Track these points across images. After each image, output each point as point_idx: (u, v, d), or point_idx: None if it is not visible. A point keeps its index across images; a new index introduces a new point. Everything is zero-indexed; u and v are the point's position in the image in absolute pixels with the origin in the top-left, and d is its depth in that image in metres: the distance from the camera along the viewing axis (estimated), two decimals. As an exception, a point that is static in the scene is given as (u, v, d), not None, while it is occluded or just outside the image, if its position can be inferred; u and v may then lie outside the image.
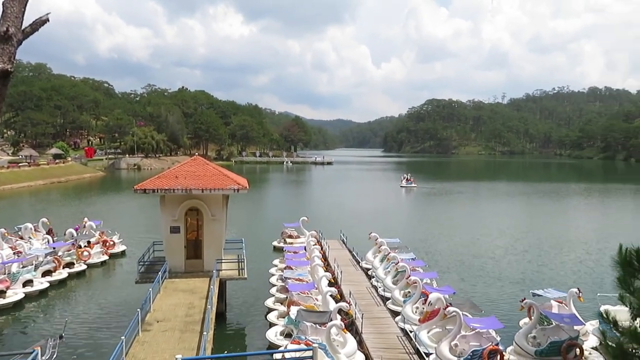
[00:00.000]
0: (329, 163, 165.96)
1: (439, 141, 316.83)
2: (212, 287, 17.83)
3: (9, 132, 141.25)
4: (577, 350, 15.42)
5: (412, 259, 25.66)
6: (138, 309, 14.77)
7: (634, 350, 5.98)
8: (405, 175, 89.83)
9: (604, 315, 6.32)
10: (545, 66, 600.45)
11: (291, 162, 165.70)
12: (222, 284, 21.08)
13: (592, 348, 16.74)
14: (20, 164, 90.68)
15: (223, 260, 21.73)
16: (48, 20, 7.74)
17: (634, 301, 5.97)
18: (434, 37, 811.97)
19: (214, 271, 19.77)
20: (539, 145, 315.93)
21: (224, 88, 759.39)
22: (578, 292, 18.74)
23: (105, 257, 30.77)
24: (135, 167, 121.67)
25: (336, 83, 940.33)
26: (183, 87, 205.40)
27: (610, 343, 6.17)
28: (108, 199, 65.32)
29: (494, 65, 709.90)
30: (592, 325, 17.95)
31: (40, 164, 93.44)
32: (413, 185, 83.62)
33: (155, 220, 29.50)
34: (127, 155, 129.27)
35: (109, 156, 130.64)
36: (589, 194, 77.11)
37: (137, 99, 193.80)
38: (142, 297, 17.22)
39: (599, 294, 19.87)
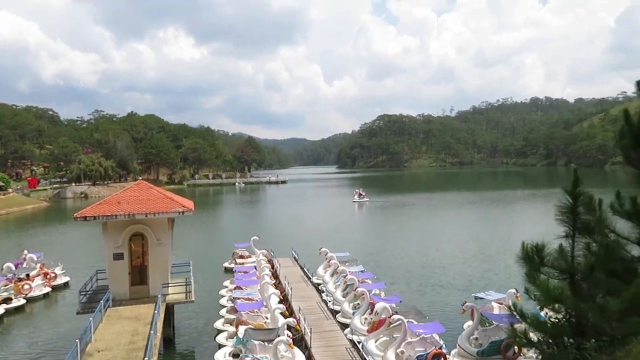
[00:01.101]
0: (284, 182, 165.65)
1: (391, 155, 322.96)
2: (156, 312, 17.45)
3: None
4: (516, 348, 16.03)
5: (361, 271, 26.02)
6: (77, 340, 14.28)
7: (539, 339, 6.40)
8: (357, 190, 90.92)
9: (512, 308, 6.72)
10: (489, 79, 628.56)
11: (244, 182, 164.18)
12: (170, 309, 20.68)
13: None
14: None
15: (169, 285, 21.33)
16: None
17: (537, 294, 6.39)
18: (383, 54, 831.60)
19: (160, 296, 19.36)
20: (486, 155, 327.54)
21: (177, 111, 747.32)
22: (516, 292, 19.50)
23: (48, 289, 29.50)
24: (82, 195, 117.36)
25: (289, 102, 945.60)
26: (132, 111, 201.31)
27: (517, 333, 6.57)
28: (51, 229, 62.64)
29: (441, 80, 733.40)
30: (530, 323, 18.68)
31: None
32: (365, 199, 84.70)
33: (101, 248, 28.63)
34: (74, 184, 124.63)
35: (54, 186, 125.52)
36: (534, 199, 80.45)
37: (84, 125, 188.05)
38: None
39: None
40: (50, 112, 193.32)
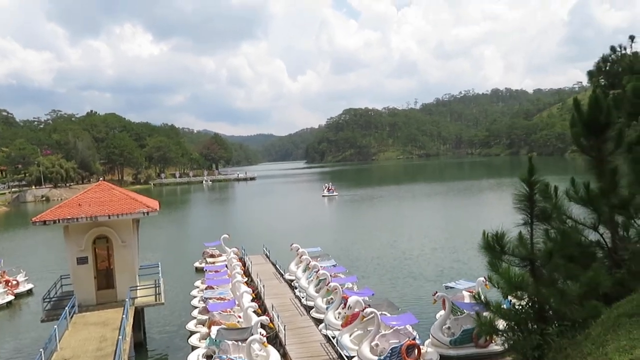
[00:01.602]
0: (252, 179, 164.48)
1: (359, 149, 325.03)
2: (124, 316, 17.11)
3: None
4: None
5: (333, 265, 26.09)
6: (41, 349, 13.86)
7: (504, 325, 6.59)
8: (326, 184, 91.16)
9: (477, 297, 6.89)
10: (451, 71, 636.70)
11: (211, 180, 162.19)
12: (139, 312, 20.30)
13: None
14: None
15: (137, 287, 20.93)
16: None
17: (500, 282, 6.57)
18: (346, 48, 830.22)
19: (127, 299, 18.97)
20: (451, 146, 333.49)
21: (138, 110, 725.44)
22: (484, 280, 19.91)
23: (10, 298, 28.51)
24: (44, 198, 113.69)
25: (254, 98, 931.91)
26: (92, 110, 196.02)
27: (482, 322, 6.74)
28: (12, 235, 60.55)
29: (404, 73, 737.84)
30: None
31: None
32: (334, 194, 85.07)
33: (64, 252, 27.88)
34: (34, 187, 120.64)
35: (13, 189, 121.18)
36: (499, 188, 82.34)
37: (41, 126, 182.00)
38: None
39: None
40: (5, 113, 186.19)
